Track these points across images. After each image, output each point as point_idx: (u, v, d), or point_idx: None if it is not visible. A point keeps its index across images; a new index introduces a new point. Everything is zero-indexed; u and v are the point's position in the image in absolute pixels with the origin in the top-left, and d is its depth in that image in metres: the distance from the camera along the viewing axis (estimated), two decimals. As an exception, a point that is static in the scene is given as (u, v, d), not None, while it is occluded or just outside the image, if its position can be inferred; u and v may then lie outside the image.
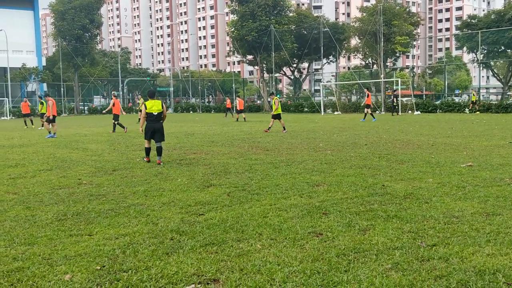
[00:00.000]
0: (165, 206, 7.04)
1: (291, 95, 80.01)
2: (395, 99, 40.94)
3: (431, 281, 4.03)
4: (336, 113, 47.26)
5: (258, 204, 7.02)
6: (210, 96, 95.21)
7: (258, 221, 6.02)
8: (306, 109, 53.58)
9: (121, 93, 70.78)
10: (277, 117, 22.51)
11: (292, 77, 73.53)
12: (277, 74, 69.71)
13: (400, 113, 40.62)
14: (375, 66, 59.80)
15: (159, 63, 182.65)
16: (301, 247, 5.00)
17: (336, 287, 3.98)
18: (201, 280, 4.16)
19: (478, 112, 39.82)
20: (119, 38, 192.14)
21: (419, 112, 41.97)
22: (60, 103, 60.19)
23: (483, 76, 61.32)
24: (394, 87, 49.33)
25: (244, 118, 34.88)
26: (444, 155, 12.05)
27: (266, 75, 64.29)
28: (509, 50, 56.70)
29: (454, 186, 8.01)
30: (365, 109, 31.98)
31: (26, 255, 4.88)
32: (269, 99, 46.77)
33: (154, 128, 11.64)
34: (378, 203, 6.88)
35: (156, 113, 11.58)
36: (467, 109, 41.53)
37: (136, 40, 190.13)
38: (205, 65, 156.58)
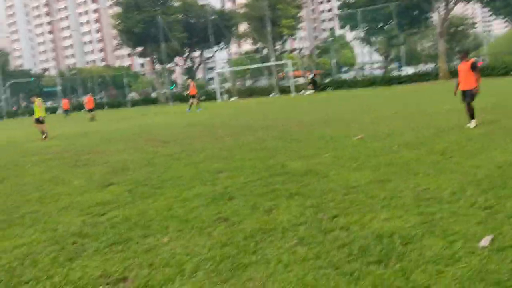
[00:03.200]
0: (63, 210, 6.70)
1: (185, 85, 79.29)
2: (311, 78, 42.76)
3: (335, 251, 4.21)
4: (232, 99, 47.60)
5: (162, 197, 6.90)
6: (103, 92, 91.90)
7: (163, 215, 5.92)
8: (202, 97, 53.41)
9: (3, 97, 66.09)
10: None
11: (185, 67, 72.82)
12: (169, 65, 68.65)
13: (309, 92, 42.10)
14: (265, 50, 60.84)
15: (43, 62, 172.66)
16: (209, 235, 4.99)
17: (246, 268, 4.03)
18: (109, 281, 4.03)
19: (313, 91, 41.94)
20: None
21: (312, 91, 43.42)
22: None
23: (366, 52, 64.54)
24: (286, 69, 50.59)
25: (93, 118, 31.83)
26: (337, 130, 12.59)
27: (158, 66, 63.11)
28: (387, 26, 60.12)
29: (348, 159, 8.40)
30: (190, 99, 31.14)
31: None
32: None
33: None
34: (280, 183, 7.04)
35: None
36: (307, 92, 43.17)
37: (14, 40, 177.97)
38: (93, 61, 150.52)
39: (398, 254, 3.99)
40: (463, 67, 11.45)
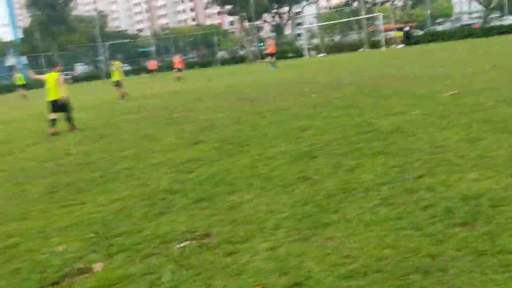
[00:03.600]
0: (155, 167, 7.06)
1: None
2: (404, 31, 41.56)
3: (418, 212, 4.11)
4: (320, 55, 46.84)
5: (247, 155, 7.04)
6: (194, 51, 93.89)
7: (247, 172, 6.05)
8: (290, 54, 53.02)
9: (103, 58, 69.57)
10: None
11: (273, 23, 72.40)
12: (258, 22, 68.54)
13: (401, 46, 40.78)
14: (355, 3, 58.83)
15: (138, 23, 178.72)
16: (290, 193, 5.05)
17: (327, 228, 4.05)
18: (194, 236, 4.22)
19: (403, 46, 39.70)
20: (94, 2, 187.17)
21: (403, 45, 41.66)
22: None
23: (464, 1, 60.46)
24: (377, 23, 48.75)
25: (180, 78, 31.67)
26: (428, 86, 12.05)
27: (246, 24, 63.23)
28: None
29: (438, 116, 8.04)
30: (268, 58, 30.90)
31: (20, 230, 4.92)
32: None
33: None
34: (365, 141, 6.92)
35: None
36: (399, 46, 41.05)
37: (111, 2, 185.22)
38: (185, 20, 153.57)
39: (485, 217, 3.82)
40: None
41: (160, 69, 56.20)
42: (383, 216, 4.11)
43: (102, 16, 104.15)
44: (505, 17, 47.80)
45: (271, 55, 31.31)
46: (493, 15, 58.08)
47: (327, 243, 3.76)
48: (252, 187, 5.41)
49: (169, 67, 63.48)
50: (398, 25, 49.03)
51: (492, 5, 59.20)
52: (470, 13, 66.50)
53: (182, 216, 4.76)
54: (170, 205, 5.16)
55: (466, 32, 41.30)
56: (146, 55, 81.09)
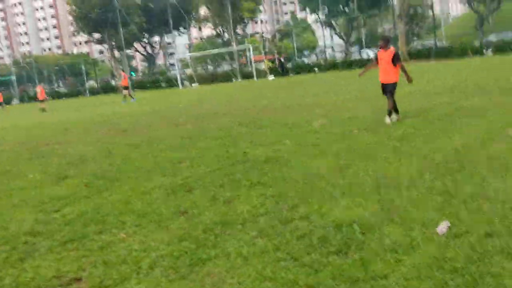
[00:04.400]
0: (16, 207, 6.44)
1: (146, 72, 78.08)
2: (278, 62, 42.68)
3: (295, 241, 4.16)
4: (194, 85, 47.11)
5: (120, 190, 6.71)
6: (60, 81, 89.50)
7: (120, 209, 5.75)
8: (163, 84, 52.68)
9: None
10: None
11: (145, 53, 71.63)
12: (128, 51, 67.41)
13: (287, 74, 42.13)
14: (226, 34, 60.41)
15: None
16: (167, 229, 4.87)
17: (205, 264, 3.93)
18: (62, 282, 3.87)
19: (273, 77, 41.95)
20: None
21: (273, 76, 43.36)
22: None
23: (327, 36, 64.83)
24: (248, 54, 50.30)
25: (44, 109, 30.10)
26: (299, 116, 12.56)
27: (117, 53, 61.83)
28: (347, 8, 60.52)
29: (310, 145, 8.38)
30: (123, 91, 31.66)
31: None
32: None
33: None
34: (241, 172, 6.95)
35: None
36: (270, 77, 43.05)
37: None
38: (49, 49, 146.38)
39: (357, 243, 3.97)
40: (383, 55, 10.03)
41: (6, 101, 52.86)
42: (261, 248, 4.10)
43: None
44: (362, 51, 51.91)
45: (125, 87, 31.58)
46: (353, 49, 62.92)
47: (206, 280, 3.65)
48: (125, 225, 5.13)
49: (33, 97, 59.93)
50: (269, 57, 51.00)
51: (351, 40, 64.21)
52: (332, 47, 71.41)
53: (48, 260, 4.35)
54: (34, 248, 4.70)
55: (330, 64, 44.14)
56: (6, 85, 75.67)
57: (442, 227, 4.08)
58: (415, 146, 7.44)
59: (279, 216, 4.85)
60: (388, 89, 10.04)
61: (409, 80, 10.14)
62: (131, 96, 30.88)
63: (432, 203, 4.74)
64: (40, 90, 32.25)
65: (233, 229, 4.65)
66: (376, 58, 10.24)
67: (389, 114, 9.95)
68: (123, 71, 36.30)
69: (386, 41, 10.13)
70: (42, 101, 31.27)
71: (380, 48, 10.22)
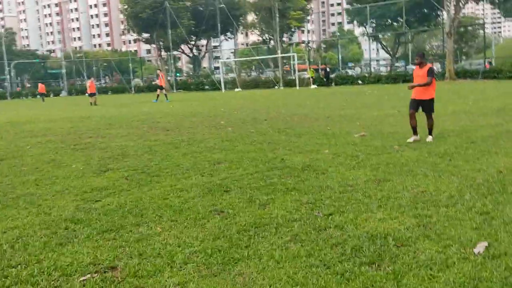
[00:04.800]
0: (58, 194, 6.67)
1: (191, 73, 79.21)
2: (324, 72, 42.69)
3: (328, 249, 4.16)
4: (236, 89, 47.48)
5: (158, 186, 6.86)
6: (107, 77, 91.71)
7: (158, 204, 5.88)
8: (207, 87, 53.32)
9: (8, 77, 66.02)
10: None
11: (191, 55, 72.69)
12: (175, 52, 68.50)
13: (331, 85, 42.10)
14: (272, 41, 60.67)
15: (49, 43, 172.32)
16: (202, 227, 4.95)
17: (237, 263, 3.98)
18: (98, 269, 3.99)
19: (316, 86, 41.65)
20: (2, 18, 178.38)
21: (315, 86, 43.27)
22: None
23: (373, 49, 64.39)
24: (293, 62, 50.35)
25: (95, 102, 31.26)
26: (339, 126, 12.52)
27: (164, 53, 62.95)
28: (396, 23, 59.87)
29: (348, 156, 8.34)
30: (158, 90, 32.02)
31: None
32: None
33: None
34: (278, 177, 6.99)
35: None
36: (312, 85, 42.81)
37: (21, 20, 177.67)
38: (99, 45, 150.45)
39: (391, 256, 3.94)
40: (419, 73, 9.76)
41: (55, 93, 54.43)
42: (294, 253, 4.12)
43: (10, 33, 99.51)
44: (409, 67, 51.22)
45: (160, 87, 32.12)
46: (398, 64, 62.16)
47: (237, 279, 3.69)
48: (162, 219, 5.25)
49: (80, 91, 61.63)
50: (314, 66, 50.86)
51: (397, 55, 63.44)
52: (378, 60, 70.78)
53: (86, 247, 4.49)
54: (73, 235, 4.86)
55: (374, 78, 43.74)
56: (56, 77, 78.08)
57: (480, 247, 4.01)
58: (456, 164, 7.31)
59: (313, 223, 4.87)
60: (426, 106, 9.76)
61: (410, 87, 9.95)
62: (166, 97, 31.44)
63: (470, 222, 4.66)
64: (90, 84, 33.05)
65: (267, 232, 4.69)
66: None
67: (430, 132, 9.83)
68: (160, 70, 36.99)
69: (421, 56, 9.92)
70: (92, 94, 32.02)
71: (416, 64, 10.02)
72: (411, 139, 9.68)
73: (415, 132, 9.80)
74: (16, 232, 5.02)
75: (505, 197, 5.44)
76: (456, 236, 4.30)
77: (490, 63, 47.56)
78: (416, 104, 9.80)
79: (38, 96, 50.67)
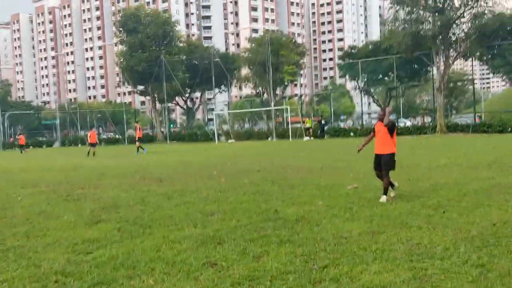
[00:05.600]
0: (49, 246, 6.57)
1: (184, 125, 79.75)
2: (319, 124, 43.16)
3: (323, 303, 4.10)
4: (230, 141, 47.70)
5: (151, 237, 6.78)
6: (101, 128, 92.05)
7: (150, 256, 5.80)
8: (200, 138, 53.54)
9: (0, 127, 66.12)
10: None
11: (185, 107, 73.42)
12: (169, 104, 69.21)
13: (325, 137, 42.40)
14: (265, 94, 61.54)
15: (44, 95, 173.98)
16: (195, 279, 4.88)
17: (231, 317, 3.91)
18: (88, 324, 3.89)
19: (312, 138, 41.94)
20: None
21: (308, 138, 43.57)
22: None
23: (365, 103, 65.38)
24: (286, 115, 50.90)
25: (94, 153, 30.44)
26: (332, 178, 12.54)
27: (158, 105, 63.54)
28: (386, 78, 61.06)
29: (342, 208, 8.32)
30: (137, 142, 32.32)
31: None
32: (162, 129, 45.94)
33: None
34: (272, 229, 6.94)
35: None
36: (305, 137, 42.80)
37: (18, 72, 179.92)
38: (94, 96, 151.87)
39: (387, 310, 3.88)
40: (381, 127, 9.22)
41: (48, 143, 54.35)
42: (289, 307, 4.05)
43: (6, 85, 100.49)
44: (400, 120, 51.88)
45: (140, 139, 32.67)
46: (390, 117, 62.92)
47: (231, 334, 3.60)
48: (154, 272, 5.16)
49: (73, 141, 61.70)
50: (317, 118, 51.17)
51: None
52: (369, 113, 71.75)
53: (76, 301, 4.40)
54: (63, 288, 4.77)
55: (366, 130, 44.18)
56: (50, 128, 78.30)
57: (476, 301, 3.96)
58: (449, 217, 7.30)
59: (308, 275, 4.81)
60: (384, 161, 9.11)
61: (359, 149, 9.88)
62: (142, 148, 31.81)
63: (466, 275, 4.62)
64: (91, 134, 33.16)
65: (261, 284, 4.63)
66: (373, 130, 9.58)
67: (385, 192, 9.04)
68: (137, 122, 37.52)
69: (384, 111, 9.36)
70: (93, 144, 32.02)
71: (378, 119, 9.49)
72: (385, 198, 8.98)
73: (392, 186, 9.34)
74: (5, 286, 4.92)
75: (500, 250, 5.42)
76: (453, 290, 4.25)
77: (480, 117, 48.29)
78: (378, 161, 9.31)
79: (16, 149, 51.03)
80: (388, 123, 9.14)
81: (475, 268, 4.82)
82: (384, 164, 9.16)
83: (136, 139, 32.90)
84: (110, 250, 6.15)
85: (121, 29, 58.97)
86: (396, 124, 9.27)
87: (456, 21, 39.00)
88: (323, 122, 46.04)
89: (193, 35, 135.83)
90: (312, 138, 42.72)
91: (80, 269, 5.37)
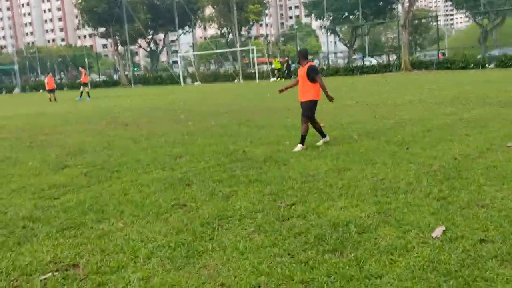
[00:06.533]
0: (15, 192, 6.48)
1: (149, 68, 78.13)
2: (286, 65, 42.82)
3: (292, 238, 4.20)
4: (196, 83, 47.15)
5: (119, 181, 6.76)
6: (62, 73, 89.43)
7: (119, 199, 5.79)
8: (165, 81, 52.72)
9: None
10: None
11: (148, 49, 71.67)
12: (132, 47, 67.39)
13: (275, 79, 42.12)
14: (230, 35, 60.53)
15: (0, 39, 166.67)
16: (165, 221, 4.91)
17: (202, 256, 3.97)
18: (59, 267, 3.90)
19: (280, 79, 41.96)
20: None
21: (275, 79, 43.40)
22: None
23: (331, 42, 65.04)
24: (253, 55, 50.32)
25: (55, 99, 30.33)
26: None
27: (120, 48, 61.84)
28: (352, 16, 60.63)
29: (309, 146, 8.42)
30: (81, 87, 31.39)
31: None
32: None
33: None
34: (240, 169, 7.00)
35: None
36: (272, 78, 42.81)
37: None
38: (53, 40, 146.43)
39: (353, 243, 4.01)
40: (301, 72, 8.67)
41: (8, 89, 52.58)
42: (258, 244, 4.14)
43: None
44: (365, 59, 51.99)
45: (84, 84, 31.30)
46: (355, 56, 63.05)
47: (202, 272, 3.68)
48: (123, 215, 5.17)
49: (36, 87, 59.93)
50: (284, 59, 50.72)
51: (354, 47, 64.35)
52: (335, 53, 71.57)
53: (46, 245, 4.39)
54: (32, 234, 4.74)
55: (332, 70, 44.25)
56: (8, 74, 75.60)
57: (438, 231, 4.12)
58: (413, 152, 7.49)
59: (276, 213, 4.90)
60: (304, 108, 8.59)
61: (330, 99, 8.68)
62: (88, 95, 30.56)
63: (428, 208, 4.79)
64: (48, 80, 32.11)
65: (230, 223, 4.70)
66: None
67: (302, 141, 8.40)
68: (83, 67, 36.40)
69: (301, 55, 8.76)
70: (51, 90, 31.10)
71: (298, 62, 8.85)
72: (320, 142, 8.76)
73: (322, 135, 8.86)
74: (-29, 233, 4.85)
75: (460, 183, 5.61)
76: (415, 222, 4.41)
77: (443, 54, 48.78)
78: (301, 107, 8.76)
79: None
80: (307, 67, 8.45)
81: (436, 201, 4.99)
82: (303, 111, 8.61)
83: (82, 84, 31.40)
84: (77, 195, 6.11)
85: (78, -33, 56.34)
86: (317, 68, 8.59)
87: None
88: (289, 62, 45.76)
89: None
90: (278, 79, 42.54)
91: (48, 214, 5.33)
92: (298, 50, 9.89)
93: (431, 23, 66.00)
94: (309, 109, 8.56)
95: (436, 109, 12.75)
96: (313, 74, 8.42)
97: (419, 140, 8.54)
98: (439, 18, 63.19)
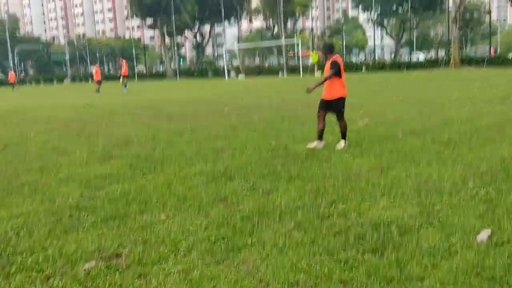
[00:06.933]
0: (63, 182, 6.69)
1: (194, 61, 78.99)
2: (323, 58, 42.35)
3: (331, 237, 4.18)
4: (240, 77, 47.35)
5: (162, 173, 6.88)
6: (110, 63, 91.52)
7: (162, 191, 5.90)
8: (210, 74, 53.20)
9: (11, 63, 65.98)
10: None
11: (194, 42, 72.44)
12: (179, 39, 68.27)
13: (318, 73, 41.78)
14: (276, 28, 60.41)
15: (52, 30, 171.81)
16: (206, 214, 4.97)
17: (241, 251, 4.00)
18: (103, 257, 4.01)
19: (319, 73, 41.18)
20: (5, 4, 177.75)
21: (319, 73, 43.09)
22: None
23: (378, 36, 63.88)
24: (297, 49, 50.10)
25: (98, 90, 31.12)
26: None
27: (167, 40, 62.75)
28: (400, 9, 59.44)
29: (352, 144, 8.33)
30: (121, 78, 31.29)
31: None
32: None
33: None
34: (281, 165, 7.00)
35: None
36: (316, 72, 41.75)
37: (24, 5, 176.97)
38: (103, 31, 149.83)
39: (394, 244, 3.95)
40: (326, 67, 8.33)
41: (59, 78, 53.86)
42: (297, 241, 4.13)
43: (13, 19, 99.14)
44: (413, 53, 50.93)
45: (125, 76, 31.26)
46: (403, 50, 61.84)
47: (241, 267, 3.71)
48: (166, 207, 5.26)
49: (84, 77, 61.58)
50: (319, 53, 50.25)
51: (402, 41, 63.07)
52: (382, 48, 70.36)
53: (90, 235, 4.52)
54: (78, 223, 4.89)
55: (378, 65, 43.58)
56: (60, 64, 77.99)
57: (483, 235, 4.02)
58: (460, 152, 7.30)
59: (316, 211, 4.88)
60: (335, 107, 8.31)
61: (308, 90, 8.54)
62: (125, 85, 30.65)
63: (474, 210, 4.67)
64: (95, 70, 32.74)
65: (270, 219, 4.71)
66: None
67: (343, 136, 8.30)
68: (123, 58, 36.47)
69: (325, 49, 8.42)
70: (98, 81, 31.64)
71: (325, 56, 8.47)
72: (312, 145, 8.32)
73: (319, 137, 8.37)
74: (21, 220, 5.05)
75: (508, 185, 5.44)
76: (460, 224, 4.30)
77: (495, 50, 47.20)
78: (324, 105, 8.41)
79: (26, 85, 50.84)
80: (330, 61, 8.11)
81: (482, 203, 4.86)
82: (335, 111, 8.36)
83: (122, 75, 31.50)
84: (122, 186, 6.26)
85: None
86: (337, 63, 8.08)
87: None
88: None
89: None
90: (320, 73, 42.24)
91: (93, 204, 5.49)
92: (324, 43, 9.56)
93: (483, 17, 63.95)
94: (339, 108, 8.33)
95: (485, 108, 12.37)
96: (331, 67, 8.05)
97: (466, 139, 8.32)
98: (491, 12, 61.05)
